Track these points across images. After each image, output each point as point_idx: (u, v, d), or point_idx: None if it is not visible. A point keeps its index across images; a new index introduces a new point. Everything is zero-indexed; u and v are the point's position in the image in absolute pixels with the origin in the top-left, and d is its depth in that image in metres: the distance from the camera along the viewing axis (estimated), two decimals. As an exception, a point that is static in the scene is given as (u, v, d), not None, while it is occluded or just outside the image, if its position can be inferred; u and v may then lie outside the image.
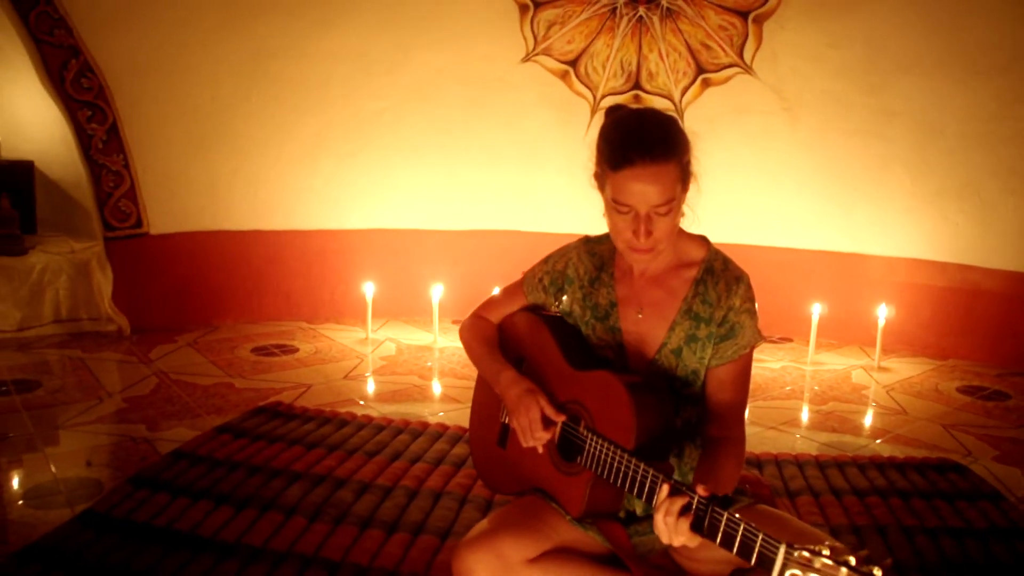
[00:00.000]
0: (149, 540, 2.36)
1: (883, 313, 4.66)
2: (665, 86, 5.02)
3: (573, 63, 5.09)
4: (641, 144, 1.73)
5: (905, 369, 4.60)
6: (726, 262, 1.94)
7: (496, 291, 2.30)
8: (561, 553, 1.89)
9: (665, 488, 1.57)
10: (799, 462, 3.19)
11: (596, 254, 2.02)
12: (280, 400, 3.69)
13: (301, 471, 2.87)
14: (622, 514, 1.94)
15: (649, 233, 1.76)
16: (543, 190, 5.25)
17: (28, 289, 4.50)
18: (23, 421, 3.35)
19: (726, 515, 1.47)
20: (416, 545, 2.41)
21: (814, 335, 4.68)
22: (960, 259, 4.79)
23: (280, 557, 2.30)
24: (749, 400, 3.91)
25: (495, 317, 2.17)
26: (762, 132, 4.94)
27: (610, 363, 1.94)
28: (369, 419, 3.47)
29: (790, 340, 5.06)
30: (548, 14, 4.97)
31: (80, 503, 2.64)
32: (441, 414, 3.68)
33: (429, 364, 4.45)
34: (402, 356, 4.56)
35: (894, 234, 4.90)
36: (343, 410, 3.58)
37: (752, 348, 1.91)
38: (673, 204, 1.76)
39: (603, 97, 5.11)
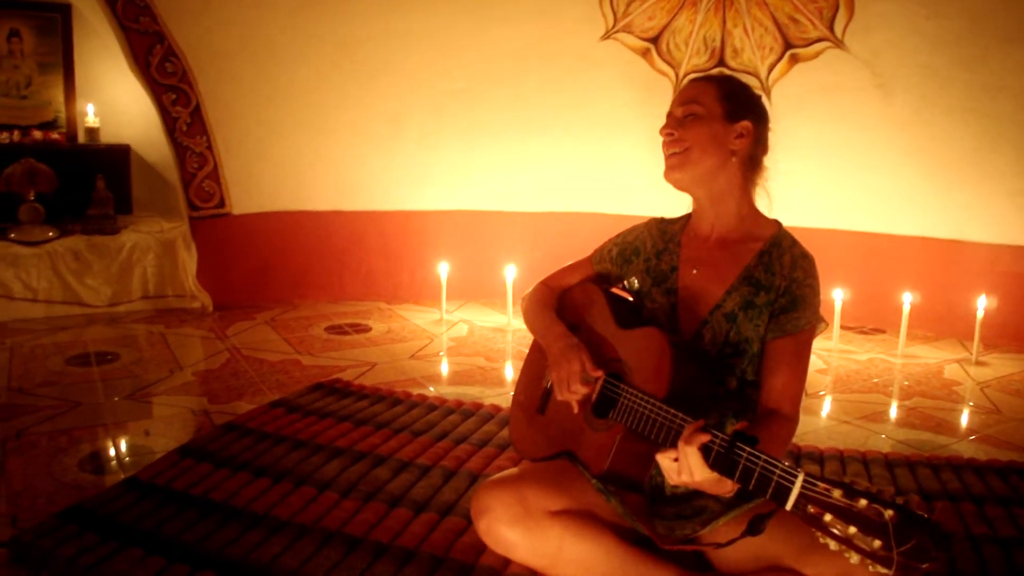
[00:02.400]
0: (184, 507, 2.41)
1: (983, 304, 4.32)
2: (751, 62, 4.80)
3: (654, 40, 4.94)
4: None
5: (1005, 365, 4.25)
6: (795, 241, 1.99)
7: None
8: (583, 514, 1.91)
9: (691, 427, 1.60)
10: (866, 460, 2.99)
11: (667, 231, 2.13)
12: (339, 377, 3.73)
13: (344, 447, 2.88)
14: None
15: (672, 131, 1.96)
16: (622, 171, 5.13)
17: (119, 266, 4.72)
18: (96, 390, 3.51)
19: (748, 450, 1.48)
20: (441, 526, 2.37)
21: (905, 326, 4.39)
22: (1074, 246, 4.40)
23: (303, 530, 2.30)
24: (827, 392, 3.76)
25: (558, 286, 2.27)
26: (854, 110, 4.66)
27: (660, 324, 1.98)
28: (423, 398, 3.46)
29: (882, 331, 4.78)
30: (628, -10, 4.83)
31: (132, 470, 2.72)
32: (511, 394, 3.64)
33: (499, 346, 4.41)
34: (472, 337, 4.55)
35: (998, 219, 4.53)
36: (400, 389, 3.59)
37: (813, 328, 1.91)
38: (700, 112, 1.94)
39: (686, 75, 4.93)
